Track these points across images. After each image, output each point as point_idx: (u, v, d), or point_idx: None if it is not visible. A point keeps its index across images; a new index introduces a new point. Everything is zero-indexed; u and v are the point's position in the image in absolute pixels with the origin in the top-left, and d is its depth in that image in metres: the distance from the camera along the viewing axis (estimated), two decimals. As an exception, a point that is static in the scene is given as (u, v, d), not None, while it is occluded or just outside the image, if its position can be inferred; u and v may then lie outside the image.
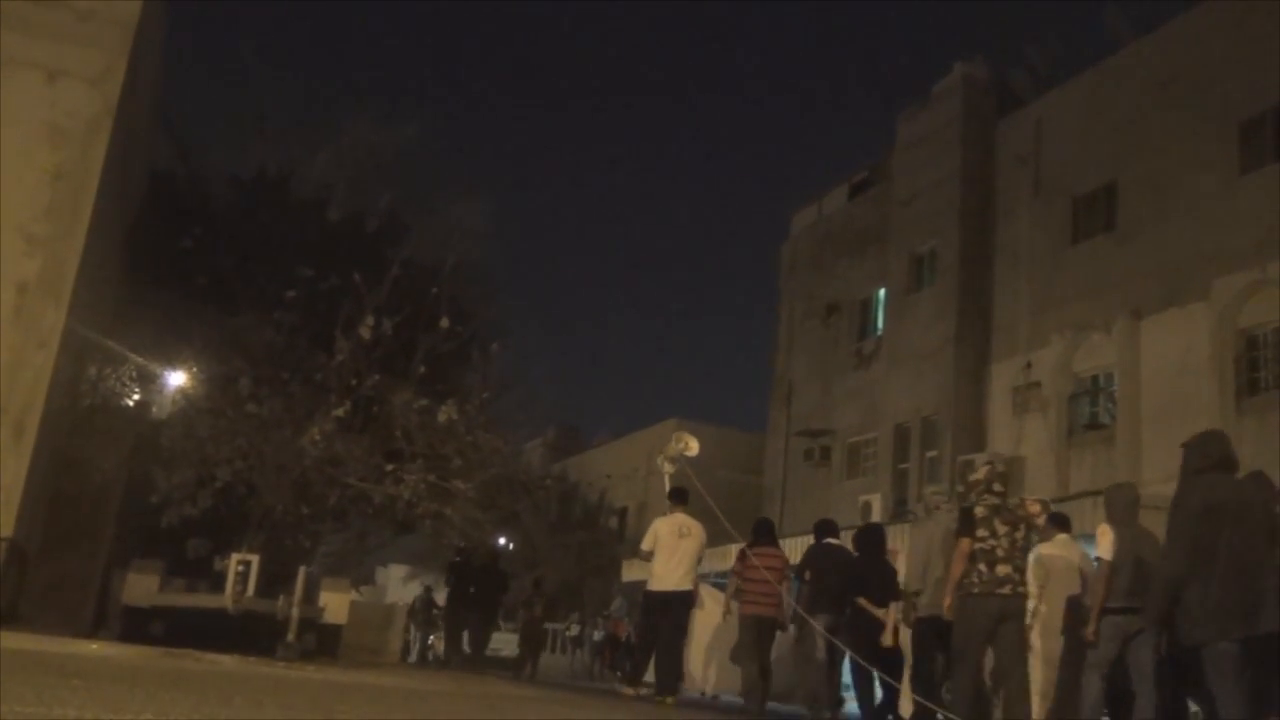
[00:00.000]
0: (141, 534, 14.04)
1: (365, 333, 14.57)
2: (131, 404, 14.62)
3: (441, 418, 15.04)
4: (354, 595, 16.70)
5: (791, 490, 27.61)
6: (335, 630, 12.82)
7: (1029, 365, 20.85)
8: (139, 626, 11.30)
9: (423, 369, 15.31)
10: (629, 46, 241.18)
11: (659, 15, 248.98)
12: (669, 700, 10.25)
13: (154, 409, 14.70)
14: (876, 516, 20.77)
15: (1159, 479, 16.31)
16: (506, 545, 28.15)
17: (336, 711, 5.61)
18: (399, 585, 40.63)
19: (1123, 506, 7.60)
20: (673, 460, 11.54)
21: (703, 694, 14.27)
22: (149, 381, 14.47)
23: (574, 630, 27.18)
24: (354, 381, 14.65)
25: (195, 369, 14.27)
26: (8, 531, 9.19)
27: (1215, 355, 17.12)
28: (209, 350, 14.19)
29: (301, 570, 11.94)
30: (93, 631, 11.86)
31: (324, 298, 14.67)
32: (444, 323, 15.38)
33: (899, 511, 21.20)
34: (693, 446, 11.60)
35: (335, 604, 12.90)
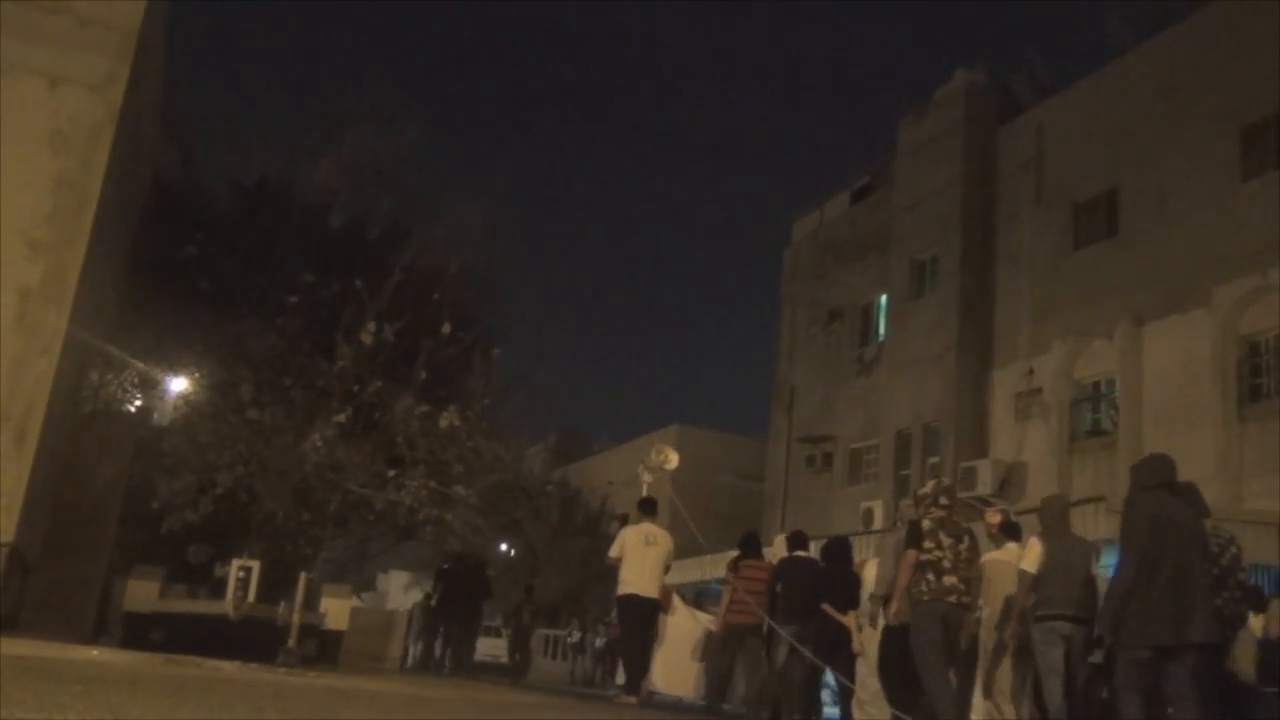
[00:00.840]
0: (142, 540, 14.02)
1: (367, 338, 14.57)
2: (133, 410, 14.63)
3: (443, 424, 15.04)
4: (355, 602, 16.73)
5: (793, 496, 27.61)
6: (336, 636, 12.81)
7: (1031, 371, 20.84)
8: (140, 633, 11.29)
9: (424, 375, 15.30)
10: (633, 54, 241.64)
11: (663, 23, 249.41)
12: (632, 700, 10.72)
13: (155, 415, 14.71)
14: (878, 523, 20.76)
15: (1161, 485, 16.29)
16: (508, 551, 28.15)
17: (337, 717, 5.61)
18: (400, 592, 40.64)
19: (1053, 517, 8.13)
20: (652, 471, 12.18)
21: (658, 696, 14.32)
22: (150, 387, 14.48)
23: (575, 636, 27.15)
24: (355, 387, 14.65)
25: (197, 375, 14.28)
26: (8, 537, 9.17)
27: (1217, 361, 17.12)
28: (210, 356, 14.20)
29: (302, 576, 11.93)
30: (93, 638, 11.85)
31: (326, 304, 14.68)
32: (446, 328, 15.38)
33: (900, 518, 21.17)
34: (672, 459, 12.33)
35: (336, 610, 12.89)
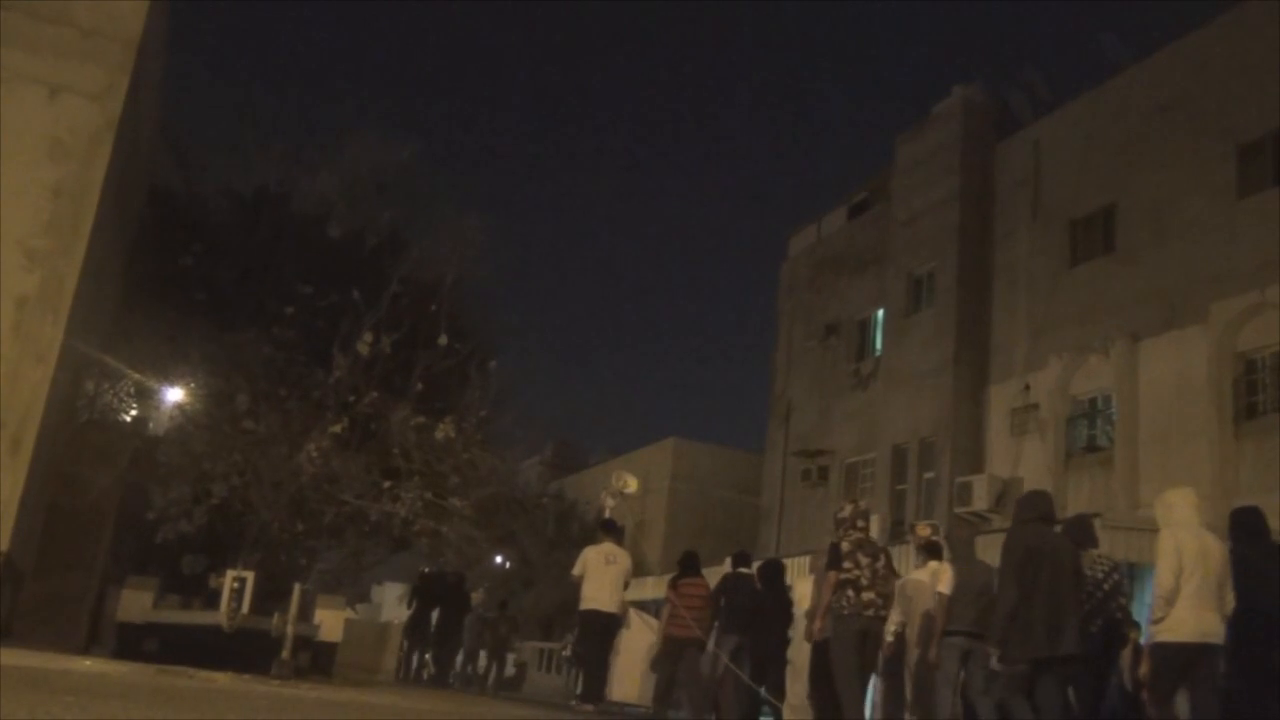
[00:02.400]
0: (136, 550, 13.99)
1: (364, 349, 14.57)
2: (128, 419, 14.62)
3: (439, 435, 15.03)
4: (349, 613, 16.69)
5: (789, 510, 27.58)
6: (330, 648, 12.79)
7: (1027, 387, 20.84)
8: (133, 643, 11.26)
9: (420, 386, 15.29)
10: (631, 68, 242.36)
11: (661, 38, 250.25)
12: (589, 708, 11.49)
13: (151, 424, 14.69)
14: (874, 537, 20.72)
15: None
16: (503, 563, 28.07)
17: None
18: (395, 604, 40.47)
19: (962, 545, 9.10)
20: (613, 496, 13.07)
21: (615, 704, 14.49)
22: (146, 397, 14.46)
23: (569, 650, 27.05)
24: (351, 398, 14.64)
25: (192, 385, 14.26)
26: (3, 547, 9.14)
27: (1213, 379, 17.12)
28: (207, 366, 14.18)
29: (297, 588, 11.90)
30: (86, 648, 11.82)
31: (323, 314, 14.68)
32: (442, 340, 15.38)
33: (896, 532, 21.16)
34: (631, 484, 13.32)
35: (330, 622, 12.87)
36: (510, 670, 23.05)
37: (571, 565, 12.48)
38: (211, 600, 12.03)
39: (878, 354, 25.57)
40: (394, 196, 16.92)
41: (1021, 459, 20.66)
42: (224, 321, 14.41)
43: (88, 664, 9.42)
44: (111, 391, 14.35)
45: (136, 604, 11.67)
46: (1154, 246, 18.82)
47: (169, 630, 11.38)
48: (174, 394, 14.41)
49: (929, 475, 22.24)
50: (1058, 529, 7.98)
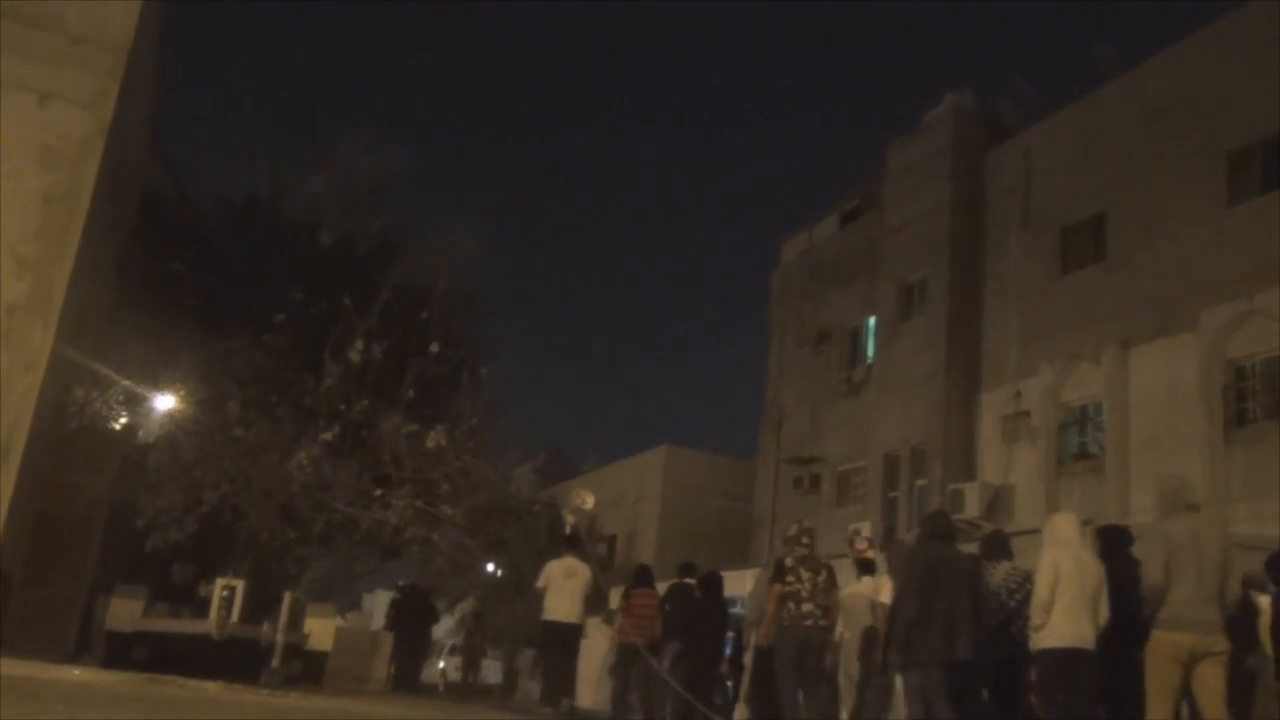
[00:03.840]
0: (126, 558, 13.94)
1: (355, 357, 14.56)
2: (118, 427, 14.56)
3: (430, 443, 15.01)
4: (340, 622, 16.69)
5: (781, 517, 27.50)
6: (320, 657, 12.75)
7: (1018, 394, 20.86)
8: (122, 652, 11.22)
9: (412, 394, 15.28)
10: (621, 76, 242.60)
11: (652, 45, 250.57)
12: (547, 711, 12.17)
13: (141, 432, 14.63)
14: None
15: (1148, 509, 16.26)
16: (495, 571, 28.01)
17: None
18: (385, 612, 40.37)
19: (900, 558, 9.21)
20: (573, 512, 13.65)
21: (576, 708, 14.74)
22: (136, 404, 14.41)
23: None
24: (343, 406, 14.62)
25: (183, 392, 14.22)
26: (-9, 554, 9.10)
27: (1203, 386, 17.16)
28: (197, 373, 14.15)
29: (287, 596, 11.88)
30: (75, 657, 11.76)
31: (314, 321, 14.66)
32: (434, 347, 15.37)
33: (888, 539, 21.16)
34: (589, 501, 13.95)
35: (320, 630, 12.85)
36: (498, 678, 23.38)
37: None
38: (201, 608, 12.00)
39: (869, 361, 25.58)
40: (385, 203, 16.93)
41: (1013, 466, 20.68)
42: (214, 328, 14.38)
43: (77, 673, 9.38)
44: (101, 399, 14.30)
45: (126, 612, 11.64)
46: (1144, 254, 18.87)
47: (158, 639, 11.35)
48: (164, 401, 14.36)
49: (921, 482, 22.24)
50: (976, 544, 9.02)
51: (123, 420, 14.63)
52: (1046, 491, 19.70)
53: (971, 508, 20.10)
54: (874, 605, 9.92)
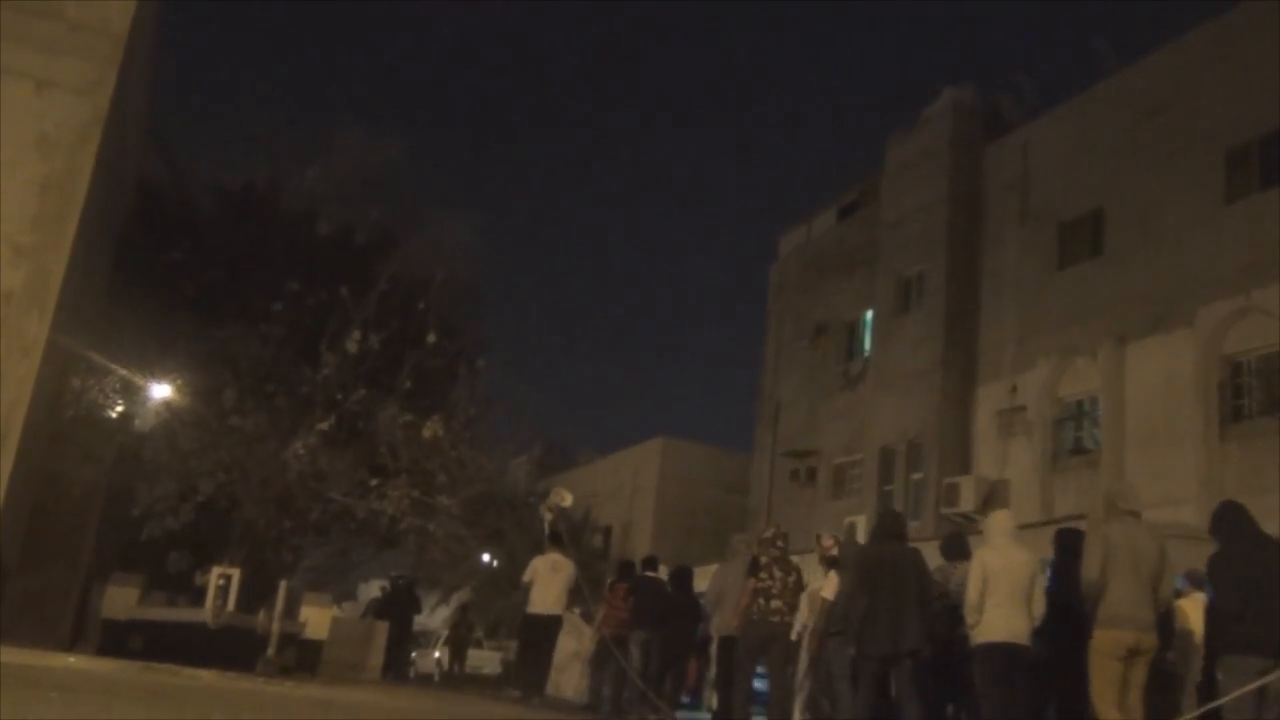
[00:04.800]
0: (122, 547, 13.93)
1: (351, 347, 14.54)
2: (114, 416, 14.55)
3: (426, 433, 15.01)
4: (335, 611, 16.70)
5: (777, 510, 27.55)
6: (316, 646, 12.75)
7: (1014, 389, 20.89)
8: (118, 640, 11.22)
9: (408, 384, 15.27)
10: (619, 68, 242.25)
11: (650, 37, 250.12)
12: (534, 701, 12.73)
13: (137, 421, 14.62)
14: (861, 537, 20.77)
15: (1143, 504, 16.31)
16: (491, 562, 28.07)
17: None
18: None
19: (851, 557, 9.77)
20: (551, 509, 14.04)
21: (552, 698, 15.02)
22: (132, 393, 14.40)
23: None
24: (339, 396, 14.61)
25: (179, 381, 14.21)
26: (-14, 543, 9.11)
27: (1199, 381, 17.18)
28: (194, 362, 14.13)
29: (283, 585, 11.86)
30: (71, 645, 11.77)
31: (310, 311, 14.64)
32: (431, 338, 15.36)
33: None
34: (567, 499, 14.32)
35: (316, 619, 12.84)
36: (496, 669, 23.60)
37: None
38: (197, 597, 12.00)
39: (866, 355, 25.60)
40: (383, 193, 16.91)
41: (1008, 460, 20.72)
42: (211, 318, 14.37)
43: (72, 661, 9.40)
44: (97, 387, 14.28)
45: (122, 601, 11.63)
46: (1142, 250, 18.88)
47: (154, 627, 11.34)
48: (160, 390, 14.34)
49: (917, 476, 22.27)
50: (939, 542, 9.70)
51: (119, 409, 14.62)
52: (1042, 486, 19.74)
53: (967, 502, 20.14)
54: (816, 598, 10.55)
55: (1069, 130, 21.38)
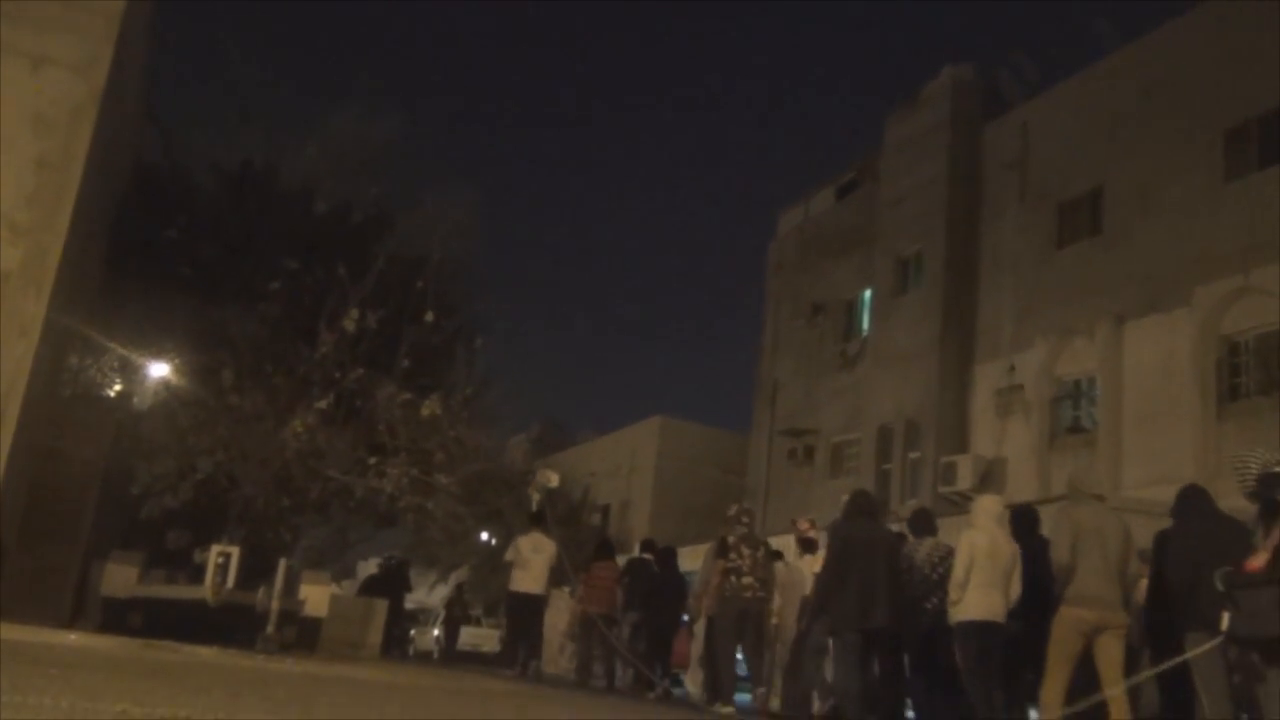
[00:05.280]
0: (121, 525, 13.96)
1: (349, 325, 14.53)
2: (112, 394, 14.56)
3: (425, 412, 15.02)
4: (334, 589, 16.75)
5: (774, 489, 27.66)
6: (315, 623, 12.79)
7: (1012, 368, 20.92)
8: (118, 617, 11.26)
9: (407, 363, 15.27)
10: (618, 47, 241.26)
11: (649, 16, 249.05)
12: (509, 673, 13.15)
13: (135, 399, 14.63)
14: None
15: (1140, 483, 16.37)
16: (489, 541, 28.16)
17: (314, 704, 5.61)
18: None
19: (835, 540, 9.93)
20: (538, 490, 14.69)
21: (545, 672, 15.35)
22: (130, 372, 14.41)
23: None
24: (337, 374, 14.61)
25: (177, 360, 14.21)
26: (-14, 521, 9.12)
27: (1197, 361, 17.21)
28: (191, 341, 14.13)
29: (282, 563, 11.90)
30: (71, 622, 11.80)
31: (308, 290, 14.63)
32: (429, 317, 15.35)
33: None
34: (553, 480, 15.06)
35: (315, 597, 12.87)
36: (495, 647, 23.70)
37: (556, 542, 13.58)
38: (196, 575, 12.03)
39: (864, 334, 25.61)
40: (380, 171, 16.86)
41: (1006, 439, 20.76)
42: (209, 296, 14.34)
43: (72, 638, 9.43)
44: (95, 366, 14.29)
45: (121, 578, 11.66)
46: (1140, 229, 18.87)
47: (154, 604, 11.38)
48: (158, 369, 14.35)
49: (914, 455, 22.32)
50: (904, 522, 9.96)
51: (117, 388, 14.63)
52: (1039, 465, 19.80)
53: (964, 480, 20.20)
54: (813, 578, 10.63)
55: (1068, 109, 21.33)
